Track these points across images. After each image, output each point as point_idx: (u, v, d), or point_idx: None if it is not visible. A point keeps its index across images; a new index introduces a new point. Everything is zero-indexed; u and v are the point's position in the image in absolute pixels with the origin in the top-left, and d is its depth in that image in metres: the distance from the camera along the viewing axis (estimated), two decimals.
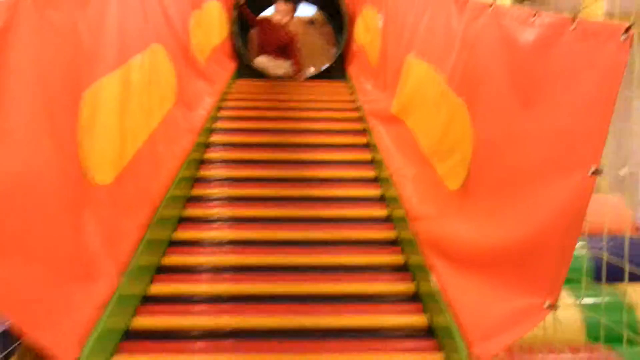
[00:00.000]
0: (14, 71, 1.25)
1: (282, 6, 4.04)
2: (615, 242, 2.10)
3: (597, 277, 2.01)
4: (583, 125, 1.10)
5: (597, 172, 1.06)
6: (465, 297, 1.48)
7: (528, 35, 1.33)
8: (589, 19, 2.90)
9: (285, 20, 4.06)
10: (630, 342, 1.61)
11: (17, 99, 1.26)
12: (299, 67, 4.10)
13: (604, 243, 1.98)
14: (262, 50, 4.10)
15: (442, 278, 1.61)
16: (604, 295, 1.96)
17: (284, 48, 4.09)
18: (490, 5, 1.57)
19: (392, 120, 2.52)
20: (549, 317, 1.29)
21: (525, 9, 1.39)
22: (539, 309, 1.19)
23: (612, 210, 2.33)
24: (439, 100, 1.94)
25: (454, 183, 1.71)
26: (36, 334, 1.30)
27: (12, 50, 1.24)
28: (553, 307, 1.17)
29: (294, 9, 4.15)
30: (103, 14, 1.80)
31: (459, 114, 1.70)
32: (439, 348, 1.60)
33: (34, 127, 1.32)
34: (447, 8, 1.96)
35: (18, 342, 1.56)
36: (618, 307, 1.91)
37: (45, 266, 1.36)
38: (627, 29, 1.00)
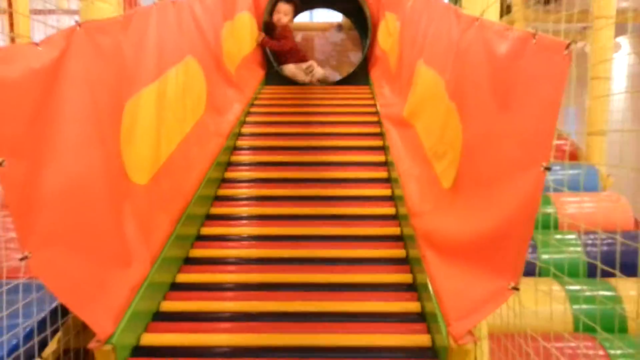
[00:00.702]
0: (70, 88, 1.51)
1: (283, 6, 4.19)
2: (613, 238, 2.18)
3: (591, 274, 2.11)
4: (537, 126, 1.25)
5: (547, 169, 1.21)
6: (447, 283, 1.64)
7: (503, 46, 1.48)
8: (600, 15, 2.96)
9: (284, 20, 4.19)
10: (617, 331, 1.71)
11: (73, 111, 1.52)
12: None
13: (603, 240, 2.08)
14: (283, 60, 4.26)
15: (431, 267, 1.78)
16: (593, 288, 2.05)
17: (293, 51, 4.25)
18: (477, 19, 1.72)
19: (404, 123, 2.68)
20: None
21: (503, 24, 1.54)
22: (504, 290, 1.35)
23: (612, 206, 2.41)
24: (439, 104, 2.09)
25: (447, 181, 1.86)
26: (80, 312, 1.54)
27: (69, 71, 1.51)
28: (515, 288, 1.32)
29: (294, 11, 4.28)
30: (143, 34, 2.06)
31: (452, 118, 1.86)
32: (428, 331, 1.76)
33: (86, 135, 1.58)
34: (449, 19, 2.12)
35: (65, 318, 1.82)
36: (607, 300, 2.00)
37: (90, 253, 1.61)
38: (568, 45, 1.15)
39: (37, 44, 1.41)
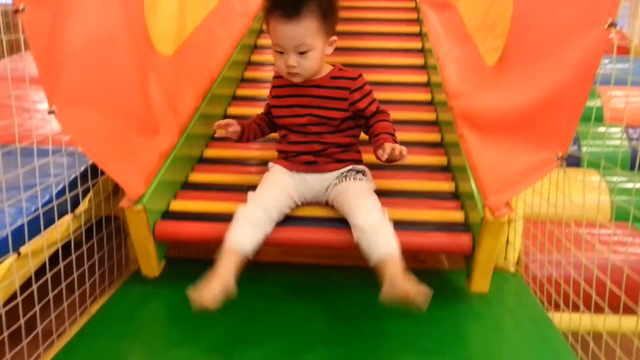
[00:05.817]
0: None
1: None
2: None
3: (633, 167, 2.03)
4: None
5: (612, 25, 1.08)
6: (486, 158, 1.57)
7: None
8: None
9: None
10: None
11: None
12: None
13: None
14: None
15: (469, 144, 1.70)
16: (633, 180, 1.98)
17: None
18: None
19: (444, 5, 2.49)
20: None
21: None
22: (550, 161, 1.28)
23: None
24: None
25: (492, 59, 1.74)
26: (109, 169, 1.54)
27: None
28: (563, 158, 1.25)
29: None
30: None
31: None
32: (462, 207, 1.72)
33: None
34: None
35: (95, 180, 1.83)
36: None
37: (118, 115, 1.59)
38: None
39: None
